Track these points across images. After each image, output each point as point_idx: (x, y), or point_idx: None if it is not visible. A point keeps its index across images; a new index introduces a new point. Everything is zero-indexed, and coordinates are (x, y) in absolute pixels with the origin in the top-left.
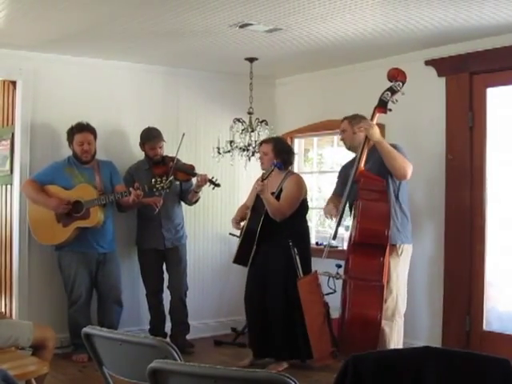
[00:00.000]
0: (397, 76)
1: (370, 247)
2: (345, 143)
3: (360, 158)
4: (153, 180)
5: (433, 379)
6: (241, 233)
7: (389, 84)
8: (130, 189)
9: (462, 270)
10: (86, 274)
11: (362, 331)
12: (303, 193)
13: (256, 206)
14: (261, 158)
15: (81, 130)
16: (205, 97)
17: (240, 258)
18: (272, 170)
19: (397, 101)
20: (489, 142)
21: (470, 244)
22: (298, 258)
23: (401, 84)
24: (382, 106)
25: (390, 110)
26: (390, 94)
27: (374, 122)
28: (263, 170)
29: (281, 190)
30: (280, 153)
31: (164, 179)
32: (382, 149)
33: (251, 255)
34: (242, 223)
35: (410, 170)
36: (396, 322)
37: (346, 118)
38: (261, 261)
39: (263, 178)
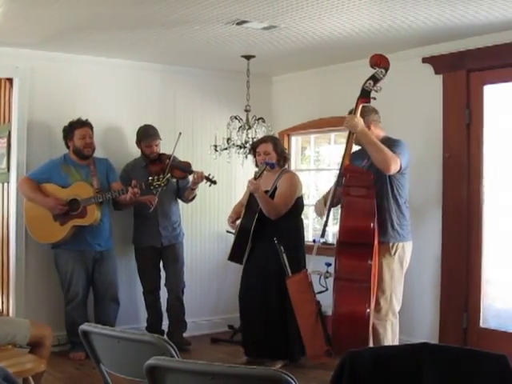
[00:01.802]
0: (379, 63)
1: (356, 246)
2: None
3: (345, 153)
4: (149, 178)
5: (430, 375)
6: (236, 231)
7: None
8: (128, 187)
9: (459, 267)
10: (83, 271)
11: (351, 329)
12: (298, 190)
13: (250, 204)
14: (260, 158)
15: (82, 125)
16: (202, 94)
17: (235, 256)
18: (264, 169)
19: (380, 88)
20: (486, 140)
21: (467, 241)
22: (284, 255)
23: (383, 71)
24: (365, 95)
25: (374, 98)
26: (372, 82)
27: (358, 113)
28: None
29: (275, 188)
30: (281, 152)
31: (161, 177)
32: (365, 140)
33: (246, 253)
34: (238, 221)
35: (394, 165)
36: (390, 321)
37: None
38: (255, 259)
39: (255, 177)
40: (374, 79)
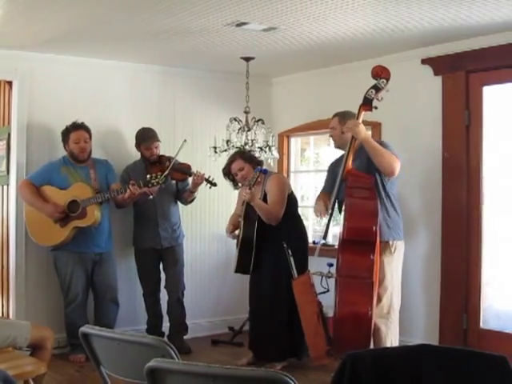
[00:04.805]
0: (381, 73)
1: (359, 244)
2: (333, 141)
3: (347, 157)
4: (148, 176)
5: (430, 377)
6: (237, 242)
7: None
8: (127, 186)
9: (458, 268)
10: (83, 273)
11: (354, 328)
12: (287, 188)
13: (247, 213)
14: (239, 177)
15: (76, 128)
16: (201, 96)
17: (241, 267)
18: (258, 177)
19: (382, 98)
20: (485, 141)
21: (466, 242)
22: (292, 259)
23: (385, 81)
24: (367, 103)
25: (376, 107)
26: (374, 91)
27: (360, 120)
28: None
29: (265, 195)
30: (251, 159)
31: (159, 175)
32: (368, 147)
33: (251, 262)
34: (237, 232)
35: (397, 166)
36: (391, 319)
37: (336, 115)
38: (262, 266)
39: (250, 186)
40: (376, 88)
